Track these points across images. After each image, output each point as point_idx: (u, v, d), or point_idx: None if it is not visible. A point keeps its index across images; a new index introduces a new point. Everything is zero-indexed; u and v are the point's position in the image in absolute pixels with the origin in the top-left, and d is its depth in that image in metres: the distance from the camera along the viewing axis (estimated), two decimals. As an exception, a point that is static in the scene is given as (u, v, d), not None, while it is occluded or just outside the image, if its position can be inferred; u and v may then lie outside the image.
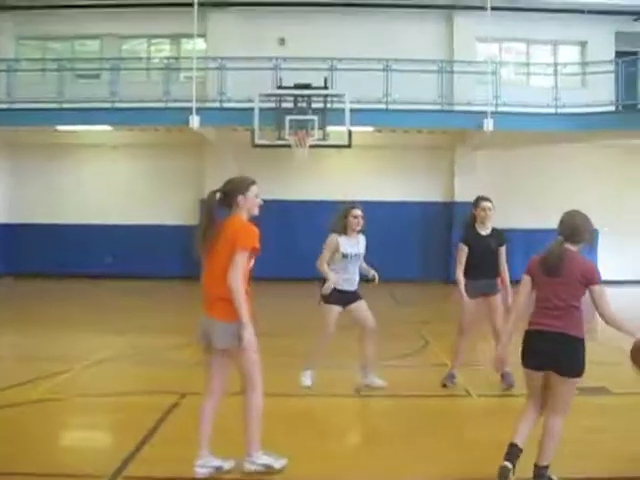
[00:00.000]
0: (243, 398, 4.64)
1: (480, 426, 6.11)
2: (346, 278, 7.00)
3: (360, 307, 7.11)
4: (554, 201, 17.98)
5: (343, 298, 7.02)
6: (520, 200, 17.86)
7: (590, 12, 18.91)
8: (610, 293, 4.58)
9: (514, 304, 4.79)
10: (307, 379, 7.15)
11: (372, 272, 7.21)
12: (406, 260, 18.32)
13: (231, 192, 4.59)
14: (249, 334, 4.36)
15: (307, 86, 16.42)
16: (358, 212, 7.04)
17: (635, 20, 19.42)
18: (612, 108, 17.52)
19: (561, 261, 4.38)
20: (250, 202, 4.61)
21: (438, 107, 17.34)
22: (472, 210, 7.37)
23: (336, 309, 7.03)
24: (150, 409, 6.24)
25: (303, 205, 18.23)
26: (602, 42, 19.35)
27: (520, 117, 16.75)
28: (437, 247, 18.48)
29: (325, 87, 16.66)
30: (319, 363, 7.19)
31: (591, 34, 19.46)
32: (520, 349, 4.54)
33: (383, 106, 16.83)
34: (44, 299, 15.18)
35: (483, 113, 16.39)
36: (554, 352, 4.32)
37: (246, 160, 17.37)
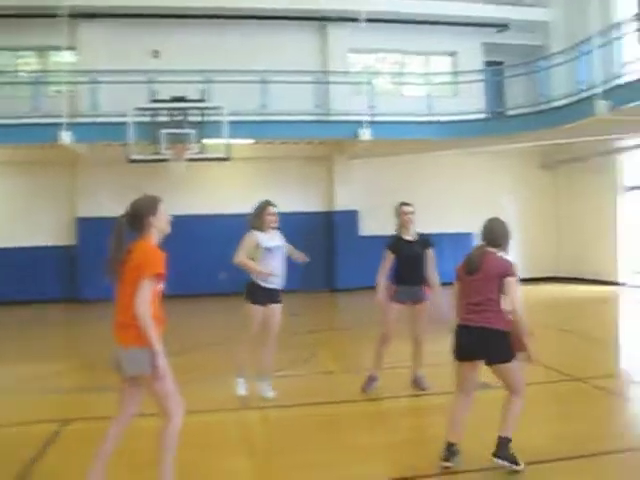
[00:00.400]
0: (160, 425, 4.38)
1: (374, 430, 6.13)
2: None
3: (275, 311, 7.12)
4: (430, 206, 18.63)
5: (268, 296, 7.02)
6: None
7: (458, 24, 19.65)
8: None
9: (452, 308, 5.26)
10: (241, 388, 7.12)
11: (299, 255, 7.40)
12: (289, 270, 18.50)
13: (140, 214, 4.38)
14: (162, 361, 4.16)
15: (183, 99, 16.14)
16: (273, 209, 7.12)
17: (499, 32, 20.31)
18: (482, 116, 18.21)
19: (480, 261, 5.01)
20: (161, 221, 4.44)
21: (315, 118, 17.47)
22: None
23: (260, 309, 6.99)
24: (28, 440, 5.84)
25: (184, 220, 17.80)
26: (471, 52, 20.17)
27: (395, 126, 17.10)
28: (319, 256, 18.56)
29: (202, 100, 16.41)
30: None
31: (460, 45, 20.24)
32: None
33: (261, 118, 16.77)
34: None
35: (359, 123, 16.63)
36: (479, 344, 4.89)
37: (123, 176, 17.02)
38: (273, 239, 7.10)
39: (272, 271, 6.93)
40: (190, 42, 18.21)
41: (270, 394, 7.09)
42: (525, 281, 19.08)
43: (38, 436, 5.95)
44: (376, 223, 18.27)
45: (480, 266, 4.97)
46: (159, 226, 4.43)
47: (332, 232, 18.92)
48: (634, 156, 17.96)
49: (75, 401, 7.00)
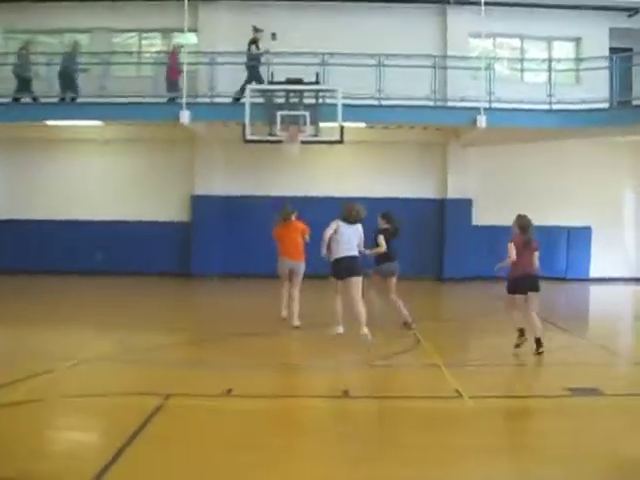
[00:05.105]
0: None
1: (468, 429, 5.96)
2: None
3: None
4: (546, 197, 18.05)
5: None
6: (512, 196, 17.74)
7: (584, 8, 18.83)
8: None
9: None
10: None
11: None
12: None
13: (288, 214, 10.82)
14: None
15: (299, 81, 16.21)
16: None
17: (629, 16, 19.32)
18: (606, 105, 17.40)
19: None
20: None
21: (431, 103, 17.16)
22: None
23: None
24: (133, 411, 6.02)
25: (293, 201, 17.97)
26: (596, 38, 19.25)
27: (514, 113, 16.56)
28: (429, 244, 18.41)
29: (317, 82, 16.44)
30: None
31: (585, 30, 19.37)
32: None
33: (376, 102, 16.67)
34: (29, 296, 14.76)
35: (476, 109, 16.22)
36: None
37: (236, 155, 17.47)
38: None
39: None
40: (306, 24, 18.28)
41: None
42: None
43: (140, 409, 6.07)
44: (490, 213, 17.87)
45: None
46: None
47: (443, 220, 18.64)
48: None
49: (176, 376, 7.20)
